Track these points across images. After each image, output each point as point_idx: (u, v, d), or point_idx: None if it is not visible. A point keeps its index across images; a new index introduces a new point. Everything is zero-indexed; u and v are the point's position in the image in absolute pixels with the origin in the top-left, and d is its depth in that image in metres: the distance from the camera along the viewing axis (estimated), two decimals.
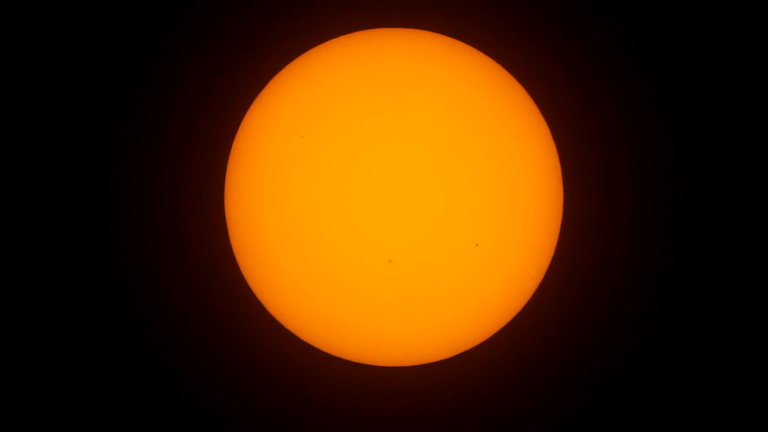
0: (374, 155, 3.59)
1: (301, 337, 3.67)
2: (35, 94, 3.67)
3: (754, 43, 3.69)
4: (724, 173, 3.68)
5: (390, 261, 3.57)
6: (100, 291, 3.68)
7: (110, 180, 3.70)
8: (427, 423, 3.70)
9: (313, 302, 3.61)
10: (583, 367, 3.72)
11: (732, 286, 3.68)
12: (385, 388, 3.70)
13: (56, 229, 3.66)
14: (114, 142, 3.69)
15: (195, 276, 3.68)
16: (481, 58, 3.70)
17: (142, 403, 3.70)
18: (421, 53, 3.67)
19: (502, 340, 3.72)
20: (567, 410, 3.72)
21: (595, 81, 3.70)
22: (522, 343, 3.72)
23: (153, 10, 3.68)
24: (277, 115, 3.66)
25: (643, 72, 3.70)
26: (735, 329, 3.68)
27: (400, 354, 3.67)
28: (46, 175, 3.68)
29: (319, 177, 3.61)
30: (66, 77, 3.70)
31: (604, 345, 3.73)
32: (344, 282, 3.59)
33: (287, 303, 3.63)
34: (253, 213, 3.63)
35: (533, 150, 3.66)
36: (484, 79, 3.67)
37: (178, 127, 3.71)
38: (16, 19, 3.66)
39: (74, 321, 3.67)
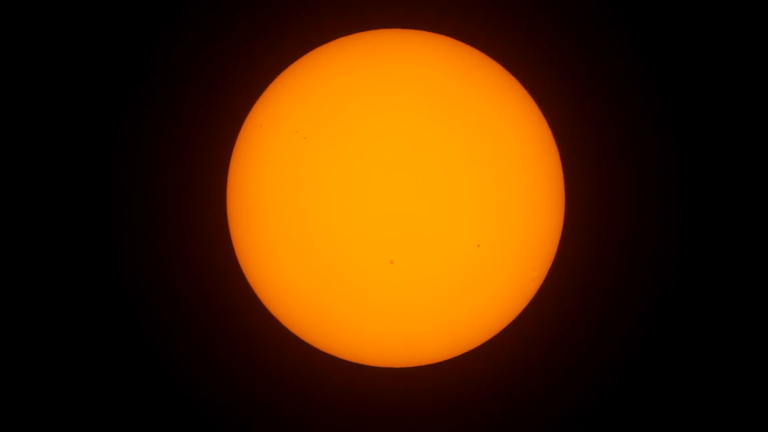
0: (376, 156, 3.60)
1: (302, 338, 3.68)
2: (36, 98, 3.69)
3: (758, 41, 3.70)
4: (727, 176, 3.69)
5: (392, 262, 3.57)
6: (103, 291, 3.70)
7: (112, 181, 3.72)
8: (429, 424, 3.72)
9: (314, 303, 3.62)
10: (585, 368, 3.74)
11: (733, 289, 3.69)
12: (387, 389, 3.71)
13: (59, 231, 3.68)
14: (116, 144, 3.71)
15: (197, 276, 3.69)
16: (483, 60, 3.72)
17: (143, 402, 3.72)
18: (423, 54, 3.68)
19: (504, 341, 3.73)
20: (569, 411, 3.73)
21: (598, 82, 3.71)
22: (524, 344, 3.73)
23: (153, 12, 3.70)
24: (279, 116, 3.67)
25: (645, 73, 3.71)
26: (736, 332, 3.70)
27: (401, 355, 3.68)
28: (48, 179, 3.70)
29: (320, 178, 3.61)
30: (67, 79, 3.72)
31: (606, 346, 3.74)
32: (346, 283, 3.59)
33: (289, 304, 3.64)
34: (254, 214, 3.64)
35: (535, 151, 3.67)
36: (486, 81, 3.68)
37: (180, 128, 3.73)
38: (18, 19, 3.68)
39: (77, 321, 3.69)
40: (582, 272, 3.72)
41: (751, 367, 3.70)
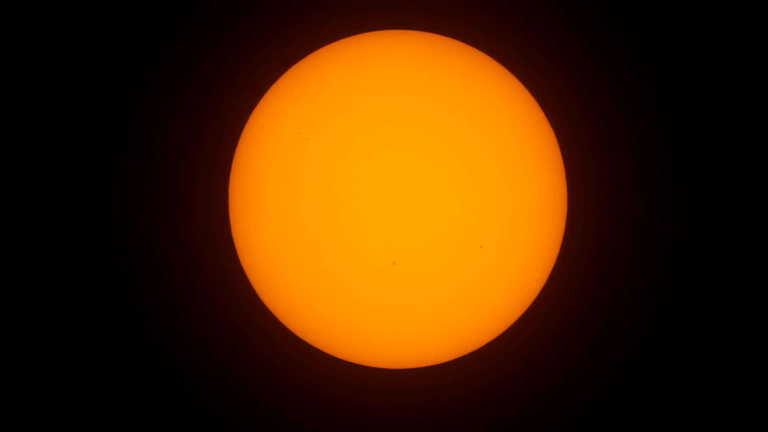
0: (378, 157, 3.60)
1: (305, 339, 3.70)
2: (36, 99, 3.70)
3: (761, 41, 3.73)
4: (731, 180, 3.71)
5: (394, 263, 3.58)
6: (106, 293, 3.71)
7: (114, 184, 3.73)
8: (431, 425, 3.73)
9: (317, 304, 3.62)
10: (587, 368, 3.75)
11: (735, 292, 3.71)
12: (390, 390, 3.72)
13: (61, 232, 3.70)
14: (117, 146, 3.73)
15: (199, 278, 3.71)
16: (485, 61, 3.73)
17: (146, 402, 3.74)
18: (425, 55, 3.68)
19: (506, 342, 3.74)
20: (572, 412, 3.74)
21: (600, 84, 3.73)
22: (526, 344, 3.74)
23: (154, 14, 3.71)
24: (281, 117, 3.67)
25: (647, 75, 3.73)
26: (738, 334, 3.71)
27: (403, 356, 3.69)
28: (51, 179, 3.72)
29: (322, 179, 3.61)
30: (68, 81, 3.73)
31: (608, 347, 3.75)
32: (348, 284, 3.59)
33: (291, 305, 3.64)
34: (257, 215, 3.64)
35: (537, 152, 3.67)
36: (488, 82, 3.68)
37: (181, 130, 3.75)
38: (18, 19, 3.69)
39: (79, 321, 3.71)
40: (584, 274, 3.73)
41: (752, 369, 3.72)
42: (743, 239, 3.68)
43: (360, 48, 3.68)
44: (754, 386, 3.71)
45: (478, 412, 3.71)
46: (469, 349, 3.73)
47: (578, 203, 3.72)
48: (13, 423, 3.65)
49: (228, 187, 3.68)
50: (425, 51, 3.67)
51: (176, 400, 3.73)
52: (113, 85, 3.72)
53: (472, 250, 3.60)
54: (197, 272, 3.69)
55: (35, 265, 3.68)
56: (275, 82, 3.71)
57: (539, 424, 3.72)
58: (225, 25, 3.73)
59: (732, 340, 3.71)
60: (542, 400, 3.71)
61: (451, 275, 3.60)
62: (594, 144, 3.71)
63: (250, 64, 3.73)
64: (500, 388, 3.72)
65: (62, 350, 3.71)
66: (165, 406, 3.73)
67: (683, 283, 3.72)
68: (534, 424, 3.72)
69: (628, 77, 3.72)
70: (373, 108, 3.62)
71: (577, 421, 3.72)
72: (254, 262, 3.64)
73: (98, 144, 3.72)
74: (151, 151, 3.72)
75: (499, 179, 3.62)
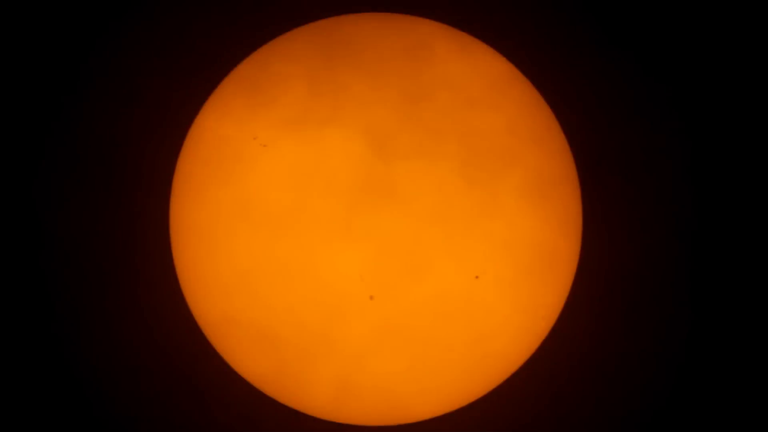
0: (352, 168, 3.56)
1: (267, 393, 3.69)
2: None
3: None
4: (749, 219, 3.74)
5: (371, 297, 3.52)
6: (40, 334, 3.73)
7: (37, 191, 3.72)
8: None
9: (278, 350, 3.58)
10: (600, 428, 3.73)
11: (752, 332, 3.74)
12: None
13: None
14: (50, 161, 3.72)
15: (148, 326, 3.69)
16: (485, 60, 3.68)
17: None
18: (415, 45, 3.64)
19: (505, 394, 3.69)
20: None
21: (624, 108, 3.72)
22: (529, 398, 3.70)
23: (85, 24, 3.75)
24: (232, 120, 3.62)
25: (670, 106, 3.74)
26: (755, 379, 3.74)
27: (383, 411, 3.62)
28: None
29: (283, 194, 3.56)
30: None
31: (626, 400, 3.71)
32: (316, 324, 3.54)
33: (245, 353, 3.61)
34: (201, 242, 3.60)
35: (548, 165, 3.64)
36: (488, 81, 3.63)
37: (118, 133, 3.71)
38: None
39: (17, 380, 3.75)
40: (600, 312, 3.70)
41: None
42: (761, 278, 3.73)
43: (332, 33, 3.66)
44: None
45: None
46: (460, 404, 3.66)
47: (595, 226, 3.69)
48: None
49: (168, 212, 3.69)
50: (415, 39, 3.65)
51: None
52: (43, 95, 3.74)
53: (466, 281, 3.53)
54: (143, 321, 3.69)
55: None
56: (226, 76, 3.68)
57: None
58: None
59: (749, 385, 3.73)
60: None
61: (441, 312, 3.54)
62: (613, 164, 3.70)
63: (198, 52, 3.72)
64: None
65: None
66: None
67: (701, 322, 3.72)
68: None
69: (653, 105, 3.73)
70: (346, 108, 3.59)
71: None
72: (202, 302, 3.62)
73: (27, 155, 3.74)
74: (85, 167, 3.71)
75: (499, 196, 3.59)
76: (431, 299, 3.51)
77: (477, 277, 3.51)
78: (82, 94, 3.75)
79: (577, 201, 3.67)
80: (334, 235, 3.53)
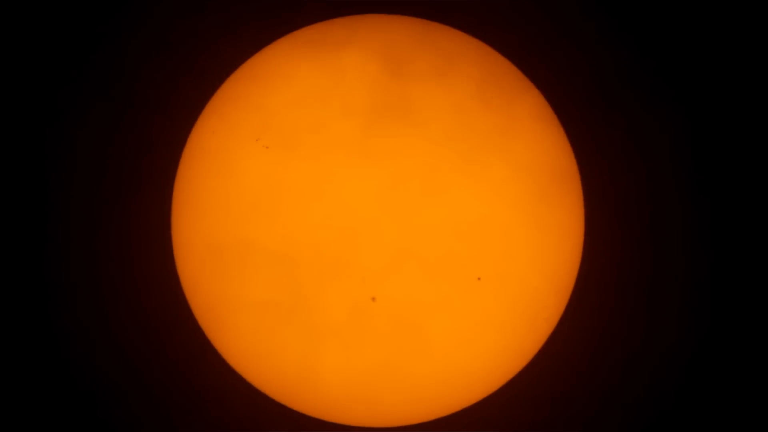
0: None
1: (271, 396, 3.67)
2: None
3: None
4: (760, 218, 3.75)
5: (373, 299, 3.53)
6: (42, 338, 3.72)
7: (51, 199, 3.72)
8: None
9: (282, 352, 3.57)
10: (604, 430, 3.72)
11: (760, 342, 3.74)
12: None
13: None
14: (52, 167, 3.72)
15: (150, 328, 3.68)
16: (487, 61, 3.68)
17: None
18: (414, 47, 3.63)
19: (507, 396, 3.68)
20: None
21: (627, 109, 3.72)
22: (532, 399, 3.69)
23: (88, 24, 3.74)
24: (236, 120, 3.63)
25: (676, 114, 3.73)
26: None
27: (385, 413, 3.62)
28: None
29: (285, 195, 3.57)
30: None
31: (631, 403, 3.69)
32: (318, 326, 3.54)
33: (251, 355, 3.60)
34: (205, 240, 3.59)
35: (549, 164, 3.64)
36: (491, 83, 3.63)
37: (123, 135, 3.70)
38: None
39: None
40: (603, 313, 3.68)
41: None
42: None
43: (335, 36, 3.63)
44: None
45: None
46: (462, 405, 3.65)
47: (597, 227, 3.68)
48: None
49: (171, 214, 3.67)
50: (414, 40, 3.64)
51: None
52: (45, 100, 3.73)
53: (468, 282, 3.55)
54: (145, 322, 3.67)
55: None
56: (230, 76, 3.68)
57: None
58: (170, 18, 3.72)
59: (755, 394, 3.72)
60: None
61: (443, 314, 3.55)
62: (615, 166, 3.70)
63: (201, 54, 3.72)
64: None
65: None
66: None
67: (709, 326, 3.71)
68: None
69: (660, 110, 3.72)
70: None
71: None
72: (205, 307, 3.62)
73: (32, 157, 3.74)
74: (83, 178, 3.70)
75: (501, 195, 3.59)
76: (432, 301, 3.51)
77: (479, 278, 3.51)
78: (83, 95, 3.75)
79: (578, 197, 3.66)
80: (338, 239, 3.53)
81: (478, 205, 3.57)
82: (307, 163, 3.57)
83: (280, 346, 3.58)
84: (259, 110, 3.59)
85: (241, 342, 3.64)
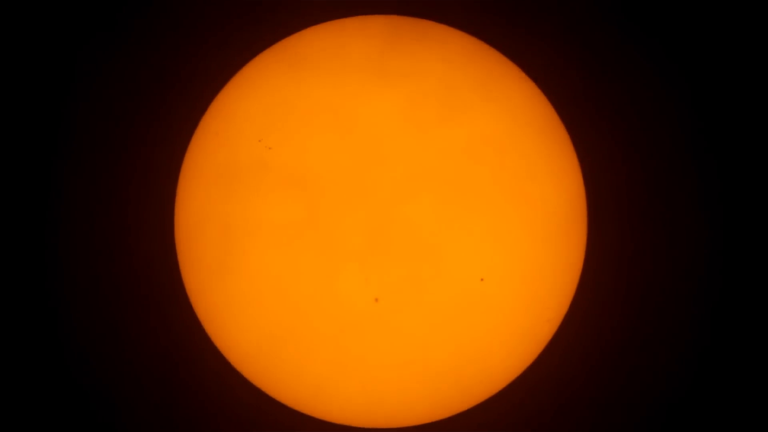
0: (357, 170, 3.57)
1: (274, 396, 3.67)
2: None
3: None
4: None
5: (376, 300, 3.52)
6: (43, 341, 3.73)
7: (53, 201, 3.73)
8: None
9: (284, 353, 3.57)
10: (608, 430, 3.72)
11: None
12: None
13: None
14: (56, 168, 3.74)
15: (151, 326, 3.68)
16: (493, 62, 3.69)
17: None
18: (417, 48, 3.64)
19: (510, 397, 3.67)
20: None
21: (630, 105, 3.72)
22: (535, 401, 3.68)
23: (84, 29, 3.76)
24: (238, 122, 3.63)
25: (686, 98, 3.74)
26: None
27: (388, 414, 3.62)
28: None
29: (288, 195, 3.57)
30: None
31: (635, 403, 3.69)
32: (321, 327, 3.54)
33: (253, 355, 3.59)
34: (207, 242, 3.60)
35: (551, 162, 3.64)
36: (494, 82, 3.64)
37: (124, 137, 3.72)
38: None
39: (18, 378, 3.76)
40: (606, 314, 3.68)
41: None
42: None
43: (336, 36, 3.65)
44: None
45: None
46: (465, 406, 3.65)
47: (600, 227, 3.68)
48: None
49: (174, 215, 3.68)
50: (418, 42, 3.66)
51: None
52: (45, 101, 3.75)
53: (471, 283, 3.54)
54: (148, 321, 3.68)
55: None
56: (233, 77, 3.69)
57: None
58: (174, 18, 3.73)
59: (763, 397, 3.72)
60: None
61: (446, 315, 3.54)
62: (618, 165, 3.70)
63: (203, 54, 3.73)
64: None
65: None
66: None
67: (713, 327, 3.70)
68: None
69: (664, 105, 3.73)
70: (351, 111, 3.60)
71: None
72: (207, 305, 3.61)
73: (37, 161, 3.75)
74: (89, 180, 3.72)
75: (504, 196, 3.58)
76: (435, 302, 3.49)
77: (482, 279, 3.52)
78: (86, 96, 3.77)
79: (581, 197, 3.65)
80: (341, 240, 3.54)
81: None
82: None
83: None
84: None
85: (244, 343, 3.58)
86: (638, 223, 3.70)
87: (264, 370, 3.60)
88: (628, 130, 3.74)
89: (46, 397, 3.77)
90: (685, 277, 3.71)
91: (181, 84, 3.75)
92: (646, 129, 3.75)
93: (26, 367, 3.77)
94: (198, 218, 3.67)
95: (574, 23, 3.77)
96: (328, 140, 3.57)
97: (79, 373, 3.74)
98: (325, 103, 3.58)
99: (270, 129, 3.60)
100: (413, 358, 3.55)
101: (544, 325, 3.62)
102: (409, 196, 3.57)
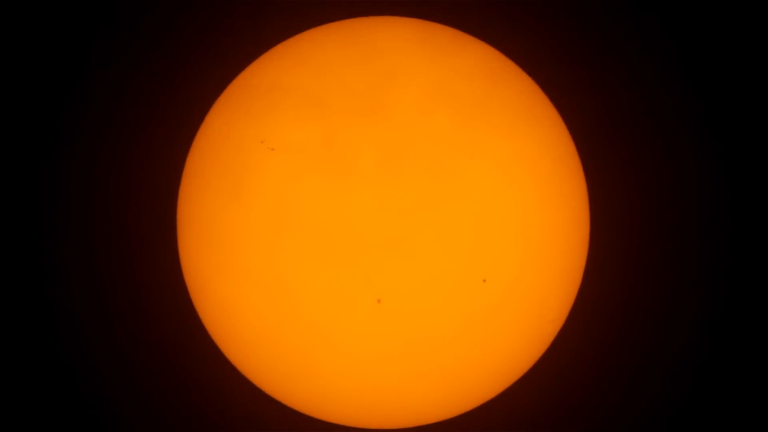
0: (358, 168, 3.47)
1: (275, 396, 3.69)
2: None
3: None
4: None
5: (378, 301, 3.45)
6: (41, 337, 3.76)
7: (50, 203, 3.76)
8: None
9: (284, 354, 3.52)
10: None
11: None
12: None
13: None
14: (55, 167, 3.76)
15: (153, 327, 3.73)
16: (495, 63, 3.68)
17: None
18: (418, 49, 3.60)
19: (513, 398, 3.73)
20: None
21: (633, 108, 3.75)
22: (537, 401, 3.73)
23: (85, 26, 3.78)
24: (240, 121, 3.58)
25: (690, 99, 3.77)
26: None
27: (389, 414, 3.61)
28: None
29: (288, 197, 3.49)
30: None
31: (638, 405, 3.74)
32: (322, 327, 3.47)
33: (254, 355, 3.57)
34: (209, 241, 3.55)
35: (553, 161, 3.59)
36: (495, 80, 3.60)
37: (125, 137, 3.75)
38: None
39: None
40: (609, 315, 3.71)
41: None
42: None
43: (339, 37, 3.63)
44: None
45: None
46: (467, 407, 3.69)
47: (602, 226, 3.71)
48: None
49: (176, 213, 3.69)
50: (419, 42, 3.61)
51: None
52: (46, 106, 3.78)
53: (473, 284, 3.48)
54: (149, 321, 3.72)
55: None
56: (235, 78, 3.68)
57: None
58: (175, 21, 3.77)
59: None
60: None
61: (448, 316, 3.48)
62: (621, 163, 3.74)
63: (207, 54, 3.76)
64: None
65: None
66: None
67: (717, 323, 3.72)
68: None
69: (668, 103, 3.76)
70: (354, 109, 3.52)
71: None
72: (208, 303, 3.60)
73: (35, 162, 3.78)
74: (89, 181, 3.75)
75: (506, 195, 3.52)
76: (437, 303, 3.45)
77: (484, 280, 3.47)
78: (87, 96, 3.76)
79: (583, 195, 3.65)
80: (342, 239, 3.48)
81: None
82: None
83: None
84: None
85: (245, 343, 3.58)
86: (642, 224, 3.70)
87: (264, 370, 3.58)
88: (633, 131, 3.73)
89: (45, 395, 3.76)
90: (689, 278, 3.72)
91: (188, 80, 3.74)
92: (652, 129, 3.74)
93: (25, 366, 3.76)
94: (199, 218, 3.64)
95: (574, 19, 3.78)
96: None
97: (79, 372, 3.74)
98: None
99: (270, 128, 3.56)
100: (414, 359, 3.52)
101: (546, 326, 3.60)
102: (410, 195, 3.55)
